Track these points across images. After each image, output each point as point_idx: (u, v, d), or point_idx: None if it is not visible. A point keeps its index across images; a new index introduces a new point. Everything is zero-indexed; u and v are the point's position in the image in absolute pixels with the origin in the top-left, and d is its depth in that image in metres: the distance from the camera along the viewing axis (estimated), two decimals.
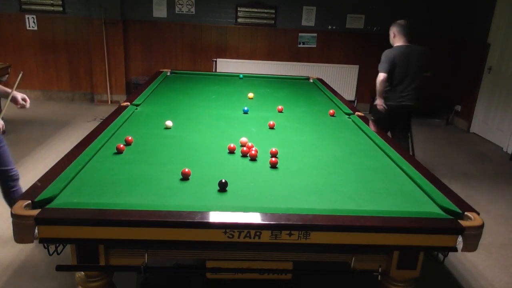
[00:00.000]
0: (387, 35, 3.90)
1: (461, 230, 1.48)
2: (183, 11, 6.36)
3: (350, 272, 1.60)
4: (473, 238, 1.49)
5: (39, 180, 1.64)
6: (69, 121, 5.51)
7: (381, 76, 3.69)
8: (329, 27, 6.54)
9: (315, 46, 6.61)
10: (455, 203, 1.65)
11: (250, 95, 3.48)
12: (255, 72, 5.35)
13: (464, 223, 1.51)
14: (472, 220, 1.53)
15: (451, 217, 1.57)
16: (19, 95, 2.47)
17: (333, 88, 4.06)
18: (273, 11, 6.42)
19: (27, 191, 1.55)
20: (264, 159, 2.06)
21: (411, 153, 3.96)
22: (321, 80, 4.39)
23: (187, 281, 2.21)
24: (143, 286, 2.20)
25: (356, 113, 3.05)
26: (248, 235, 1.42)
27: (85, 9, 6.17)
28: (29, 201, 1.45)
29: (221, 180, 1.70)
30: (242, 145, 2.21)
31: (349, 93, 6.71)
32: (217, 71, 6.37)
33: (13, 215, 1.39)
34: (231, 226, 1.42)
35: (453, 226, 1.51)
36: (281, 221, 1.44)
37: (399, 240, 1.50)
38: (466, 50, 6.41)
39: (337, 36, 6.59)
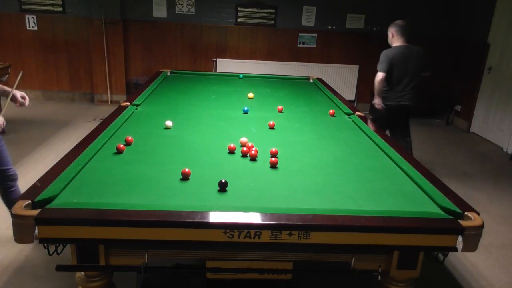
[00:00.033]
0: (387, 35, 3.91)
1: (461, 230, 1.48)
2: (183, 11, 6.36)
3: (350, 272, 1.60)
4: (473, 238, 1.49)
5: (39, 180, 1.64)
6: (69, 121, 5.51)
7: (380, 75, 3.72)
8: (329, 27, 6.54)
9: (315, 46, 6.61)
10: (455, 203, 1.65)
11: (250, 95, 3.48)
12: (255, 72, 5.35)
13: (464, 223, 1.51)
14: (472, 220, 1.53)
15: (451, 217, 1.57)
16: (18, 93, 2.48)
17: (333, 88, 4.06)
18: (273, 11, 6.42)
19: (27, 191, 1.55)
20: (264, 159, 2.06)
21: (409, 153, 3.97)
22: (321, 80, 4.39)
23: (187, 281, 2.21)
24: (143, 286, 2.20)
25: (356, 113, 3.05)
26: (248, 235, 1.42)
27: (85, 9, 6.17)
28: (29, 201, 1.45)
29: (221, 180, 1.70)
30: (242, 145, 2.21)
31: (349, 93, 6.71)
32: (217, 71, 6.37)
33: (13, 215, 1.39)
34: (231, 226, 1.42)
35: (453, 226, 1.51)
36: (281, 221, 1.44)
37: (399, 240, 1.50)
38: (466, 50, 6.40)
39: (337, 36, 6.59)
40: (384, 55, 3.75)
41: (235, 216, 1.45)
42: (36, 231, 1.38)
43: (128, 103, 2.92)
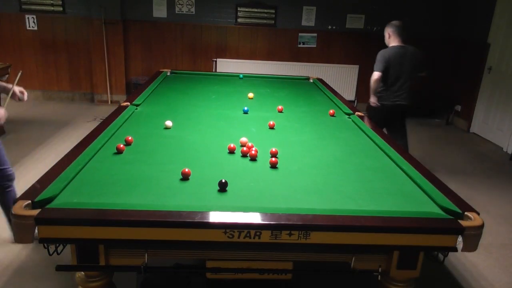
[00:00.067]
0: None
1: (461, 230, 1.48)
2: (183, 11, 6.36)
3: (350, 272, 1.60)
4: (473, 238, 1.49)
5: (39, 180, 1.64)
6: (69, 121, 5.51)
7: (376, 75, 3.76)
8: (329, 27, 6.54)
9: (315, 46, 6.61)
10: (455, 203, 1.65)
11: (250, 95, 3.48)
12: (255, 72, 5.35)
13: (464, 223, 1.51)
14: (472, 220, 1.53)
15: (451, 217, 1.57)
16: (16, 89, 2.49)
17: (333, 88, 4.06)
18: (273, 11, 6.42)
19: (27, 191, 1.55)
20: (264, 159, 2.06)
21: None
22: (321, 80, 4.39)
23: (187, 281, 2.21)
24: (143, 286, 2.20)
25: (356, 113, 3.05)
26: (248, 235, 1.42)
27: (85, 9, 6.17)
28: (29, 201, 1.45)
29: (221, 180, 1.70)
30: (242, 145, 2.21)
31: (349, 93, 6.71)
32: (217, 71, 6.37)
33: (13, 215, 1.39)
34: (231, 226, 1.42)
35: (453, 226, 1.51)
36: (281, 221, 1.44)
37: (399, 240, 1.50)
38: (466, 50, 6.40)
39: (337, 36, 6.59)
40: (381, 55, 3.79)
41: (235, 216, 1.45)
42: (36, 231, 1.38)
43: (128, 103, 2.92)
